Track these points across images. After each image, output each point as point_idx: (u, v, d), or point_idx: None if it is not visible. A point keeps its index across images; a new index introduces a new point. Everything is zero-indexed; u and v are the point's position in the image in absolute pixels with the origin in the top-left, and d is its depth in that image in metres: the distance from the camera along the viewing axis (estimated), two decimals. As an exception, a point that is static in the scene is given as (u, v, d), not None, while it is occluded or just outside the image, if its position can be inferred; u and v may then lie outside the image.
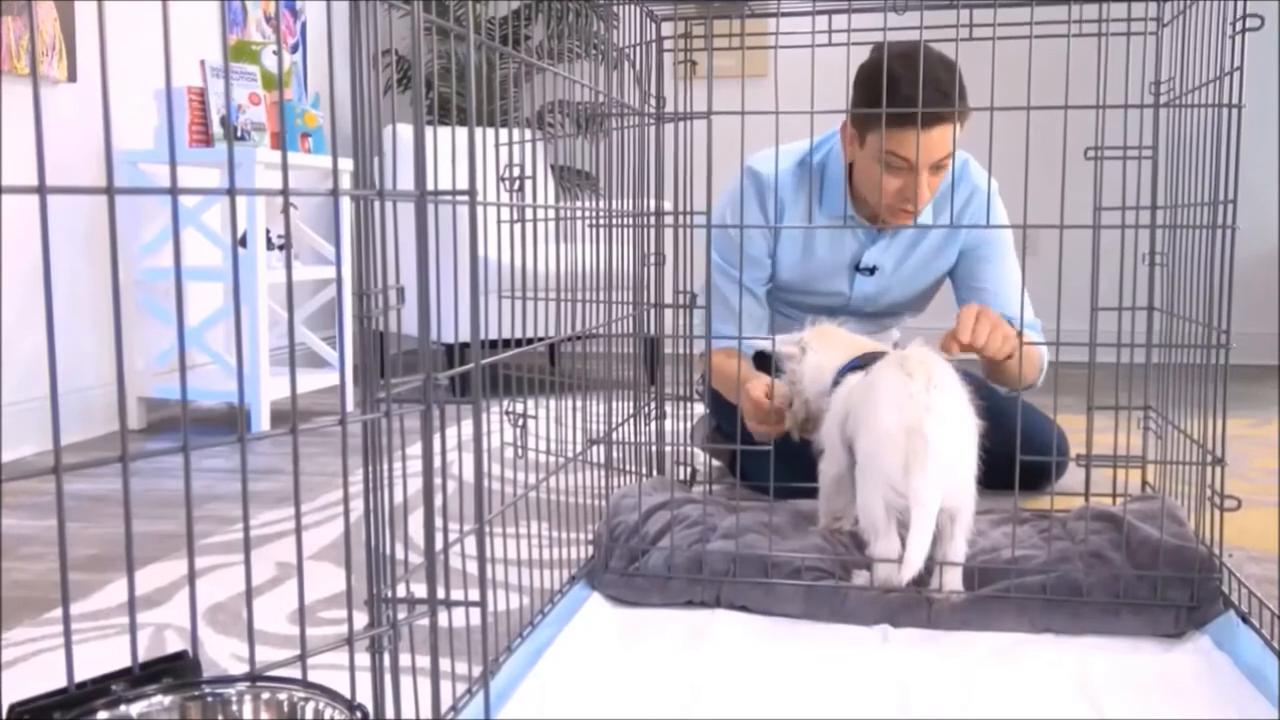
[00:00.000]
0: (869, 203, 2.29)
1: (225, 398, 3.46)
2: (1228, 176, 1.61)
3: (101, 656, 1.56)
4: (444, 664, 1.39)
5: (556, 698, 1.41)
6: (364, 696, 1.00)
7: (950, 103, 2.00)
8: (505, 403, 1.90)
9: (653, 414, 2.31)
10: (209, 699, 0.90)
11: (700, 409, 2.64)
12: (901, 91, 1.93)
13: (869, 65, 2.10)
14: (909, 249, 2.40)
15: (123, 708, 0.87)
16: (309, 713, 0.91)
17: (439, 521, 1.79)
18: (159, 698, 0.88)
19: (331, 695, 0.92)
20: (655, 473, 2.30)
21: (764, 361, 2.32)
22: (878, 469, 1.64)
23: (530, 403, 1.89)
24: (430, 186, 1.05)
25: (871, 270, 2.41)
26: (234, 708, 0.91)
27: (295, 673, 0.96)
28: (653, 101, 2.18)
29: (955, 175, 2.24)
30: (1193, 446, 1.72)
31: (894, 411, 1.64)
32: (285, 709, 0.92)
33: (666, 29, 2.22)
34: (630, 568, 1.77)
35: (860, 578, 1.71)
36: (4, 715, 0.82)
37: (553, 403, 1.98)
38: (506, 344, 1.50)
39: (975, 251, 2.40)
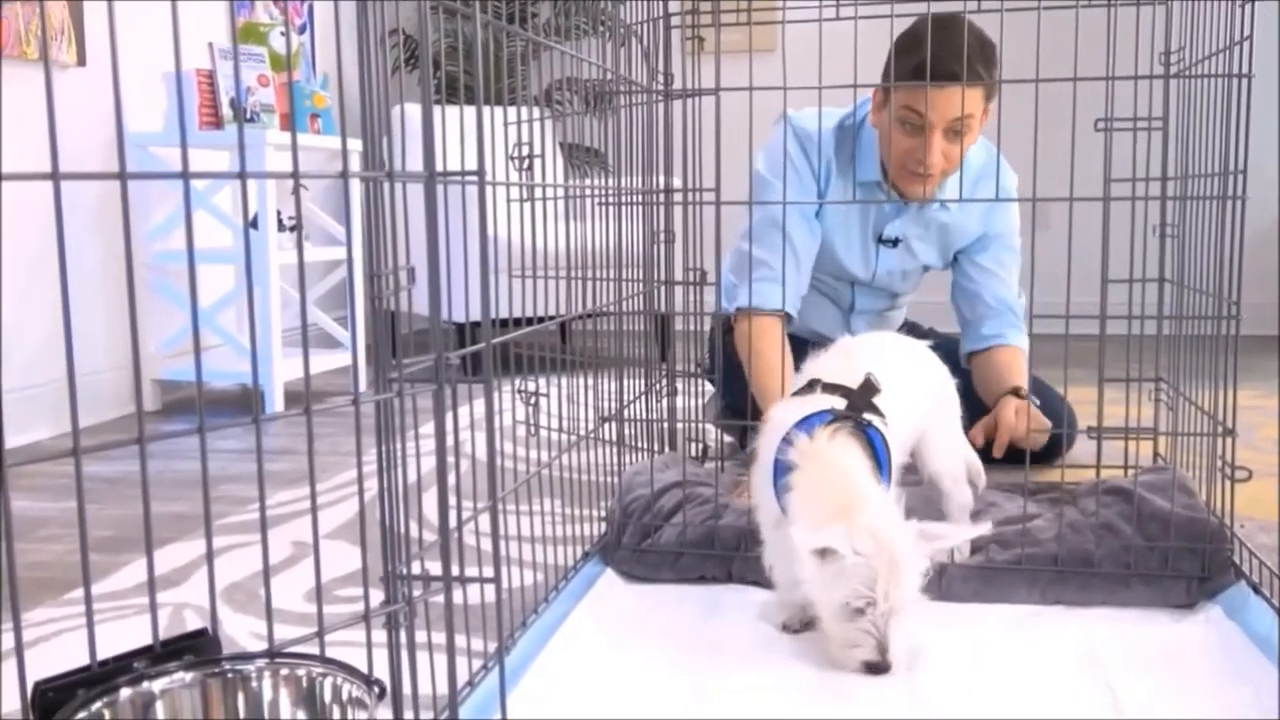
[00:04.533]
0: (890, 171, 2.28)
1: (237, 379, 3.47)
2: (1237, 147, 1.60)
3: (120, 636, 1.57)
4: (459, 640, 1.41)
5: (570, 673, 1.42)
6: (381, 673, 1.01)
7: (970, 66, 1.98)
8: (517, 381, 1.91)
9: (664, 391, 2.32)
10: (229, 675, 0.92)
11: (711, 386, 2.64)
12: (924, 49, 1.89)
13: (905, 30, 2.09)
14: (931, 224, 2.39)
15: (145, 684, 0.88)
16: (327, 688, 0.93)
17: (452, 499, 1.80)
18: (180, 674, 0.89)
19: (349, 671, 0.93)
20: (667, 450, 2.31)
21: (797, 343, 2.26)
22: None
23: (542, 381, 1.90)
24: (439, 167, 1.05)
25: (894, 242, 2.40)
26: (254, 684, 0.92)
27: (313, 649, 0.97)
28: (660, 78, 2.17)
29: (989, 164, 2.23)
30: (1203, 418, 1.72)
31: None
32: (304, 685, 0.93)
33: (674, 5, 2.22)
34: (643, 544, 1.78)
35: None
36: (29, 693, 0.83)
37: (564, 381, 1.98)
38: (517, 323, 1.50)
39: (993, 241, 2.40)
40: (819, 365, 1.70)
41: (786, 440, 1.51)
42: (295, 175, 0.92)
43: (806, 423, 1.52)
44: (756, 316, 2.22)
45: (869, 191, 2.33)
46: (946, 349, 2.34)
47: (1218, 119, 1.66)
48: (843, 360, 1.69)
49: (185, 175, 0.85)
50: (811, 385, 1.63)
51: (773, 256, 2.23)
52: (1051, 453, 2.34)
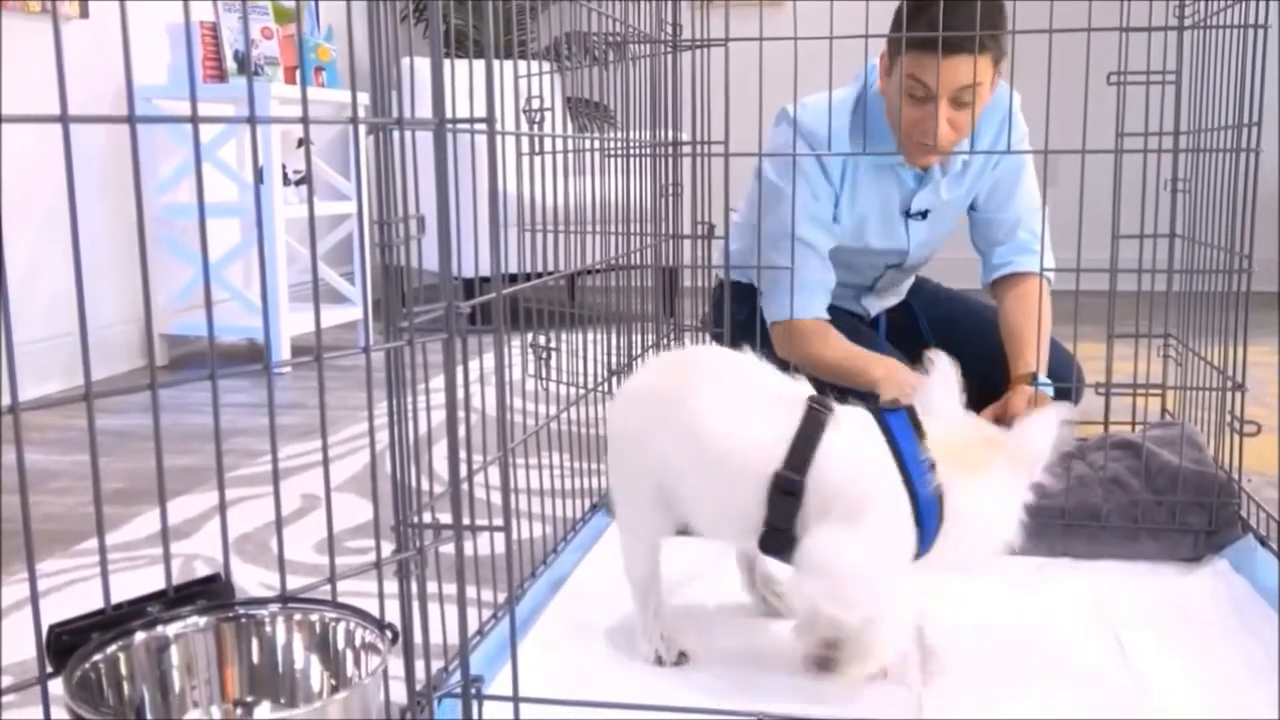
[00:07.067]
0: (899, 140, 2.24)
1: (244, 334, 3.48)
2: (1253, 99, 1.59)
3: (131, 586, 1.58)
4: (469, 591, 1.42)
5: (578, 623, 1.43)
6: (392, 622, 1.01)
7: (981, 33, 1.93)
8: (527, 336, 1.91)
9: (671, 345, 2.31)
10: (243, 620, 0.92)
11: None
12: (930, 16, 1.84)
13: None
14: (956, 187, 2.34)
15: (159, 628, 0.89)
16: (340, 633, 0.93)
17: (462, 452, 1.81)
18: (194, 618, 0.90)
19: (362, 616, 0.93)
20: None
21: (835, 319, 2.24)
22: None
23: (550, 335, 1.90)
24: (449, 115, 1.04)
25: (924, 214, 2.35)
26: (267, 628, 0.93)
27: (325, 596, 0.97)
28: (669, 29, 2.15)
29: (992, 101, 2.19)
30: (1213, 373, 1.72)
31: None
32: (317, 629, 0.93)
33: (682, -45, 2.19)
34: (651, 496, 1.78)
35: None
36: (44, 637, 0.84)
37: (573, 336, 1.98)
38: (527, 278, 1.50)
39: (999, 168, 2.35)
40: None
41: None
42: (305, 120, 0.91)
43: None
44: (799, 322, 2.20)
45: (890, 168, 2.28)
46: (951, 307, 2.33)
47: (1232, 71, 1.65)
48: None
49: (194, 119, 0.85)
50: None
51: (799, 266, 2.16)
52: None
